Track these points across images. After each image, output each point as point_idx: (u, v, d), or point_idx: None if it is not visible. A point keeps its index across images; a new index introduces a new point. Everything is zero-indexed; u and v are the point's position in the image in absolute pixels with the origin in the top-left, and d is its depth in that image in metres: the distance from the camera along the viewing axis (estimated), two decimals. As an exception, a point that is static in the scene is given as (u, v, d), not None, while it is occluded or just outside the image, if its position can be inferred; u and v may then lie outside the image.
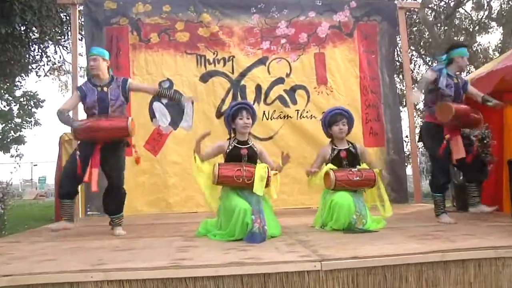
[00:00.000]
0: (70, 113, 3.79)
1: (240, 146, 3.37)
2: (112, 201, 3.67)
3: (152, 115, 5.78)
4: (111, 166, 3.62)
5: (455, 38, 13.30)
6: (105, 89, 3.63)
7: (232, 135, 3.45)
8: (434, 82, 3.80)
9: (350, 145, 3.74)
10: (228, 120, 3.47)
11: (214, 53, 5.96)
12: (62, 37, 10.67)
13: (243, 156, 3.32)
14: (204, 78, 5.93)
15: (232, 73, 5.96)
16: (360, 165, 3.67)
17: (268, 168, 3.22)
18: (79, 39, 7.33)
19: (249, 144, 3.42)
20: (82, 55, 7.95)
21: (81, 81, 5.70)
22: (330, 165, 3.56)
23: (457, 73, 3.93)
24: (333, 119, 3.70)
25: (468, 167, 3.85)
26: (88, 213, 5.44)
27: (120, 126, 3.50)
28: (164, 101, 5.80)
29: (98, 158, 3.55)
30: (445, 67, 3.87)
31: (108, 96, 3.60)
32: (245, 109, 3.40)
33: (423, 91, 3.87)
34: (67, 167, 3.63)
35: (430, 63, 14.00)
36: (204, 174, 3.27)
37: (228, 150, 3.37)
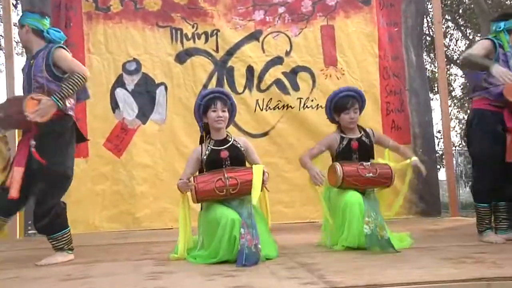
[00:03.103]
0: None
1: (218, 148, 3.36)
2: (41, 213, 3.34)
3: (115, 105, 5.75)
4: (39, 162, 3.23)
5: (508, 2, 13.14)
6: (31, 61, 3.43)
7: (207, 134, 3.45)
8: (489, 54, 3.69)
9: (362, 133, 3.74)
10: (199, 112, 3.47)
11: (193, 26, 5.95)
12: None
13: (224, 160, 3.31)
14: (181, 58, 5.92)
15: (217, 51, 5.96)
16: (373, 159, 3.69)
17: (264, 171, 3.23)
18: (13, 5, 7.20)
19: (229, 141, 3.41)
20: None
21: (17, 59, 5.61)
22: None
23: None
24: (342, 105, 3.68)
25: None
26: (29, 232, 5.41)
27: (17, 111, 3.15)
28: (130, 87, 5.77)
29: (25, 154, 3.30)
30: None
31: (32, 70, 3.37)
32: (220, 99, 3.40)
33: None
34: None
35: (471, 38, 13.85)
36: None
37: (205, 157, 3.36)
